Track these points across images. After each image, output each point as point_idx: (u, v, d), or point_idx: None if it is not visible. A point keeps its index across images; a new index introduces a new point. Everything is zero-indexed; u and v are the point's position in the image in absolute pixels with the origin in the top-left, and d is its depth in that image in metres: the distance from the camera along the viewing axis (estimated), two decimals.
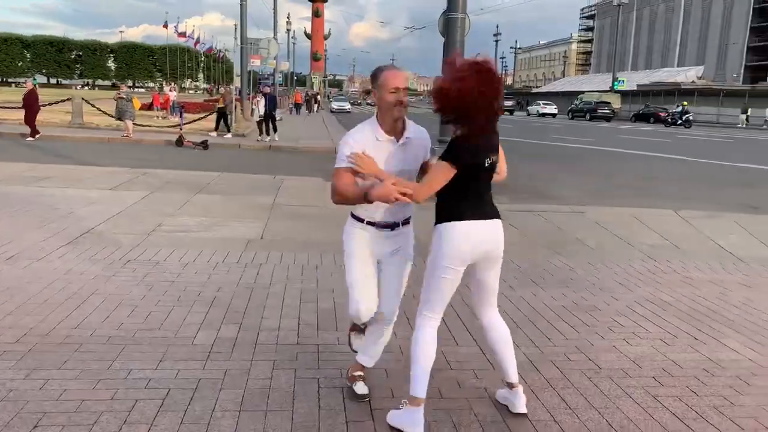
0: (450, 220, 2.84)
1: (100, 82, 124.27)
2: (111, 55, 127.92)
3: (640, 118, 49.14)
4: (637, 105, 56.59)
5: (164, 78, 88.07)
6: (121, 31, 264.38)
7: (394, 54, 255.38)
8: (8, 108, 22.36)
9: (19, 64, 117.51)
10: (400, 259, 3.12)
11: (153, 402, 3.07)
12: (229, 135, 21.29)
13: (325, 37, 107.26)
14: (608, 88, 61.16)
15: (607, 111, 50.17)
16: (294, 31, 76.89)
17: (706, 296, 5.24)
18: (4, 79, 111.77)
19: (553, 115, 56.98)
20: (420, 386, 2.87)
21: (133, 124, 19.81)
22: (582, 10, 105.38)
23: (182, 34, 65.84)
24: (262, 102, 20.91)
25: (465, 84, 2.65)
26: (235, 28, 27.15)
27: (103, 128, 21.52)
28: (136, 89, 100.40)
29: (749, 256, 6.75)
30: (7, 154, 13.45)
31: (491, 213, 2.91)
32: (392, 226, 3.06)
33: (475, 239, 2.84)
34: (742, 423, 3.09)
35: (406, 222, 3.12)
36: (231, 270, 5.44)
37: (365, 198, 2.80)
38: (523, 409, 3.07)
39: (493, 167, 2.88)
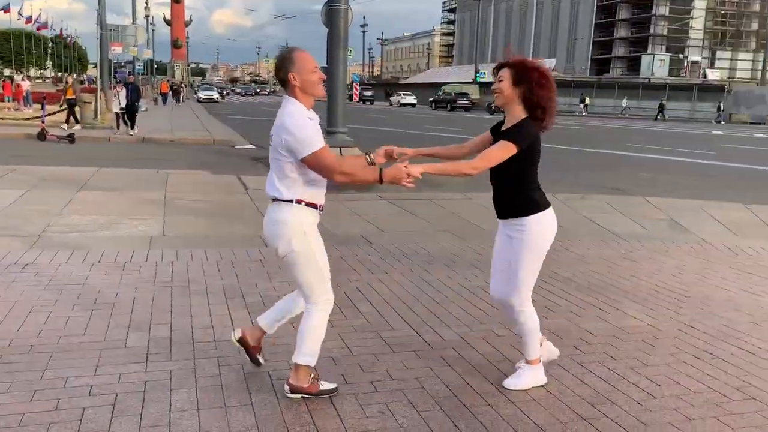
0: (543, 209, 3.15)
1: None
2: None
3: (498, 109, 51.86)
4: None
5: (4, 65, 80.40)
6: None
7: (260, 42, 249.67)
8: None
9: None
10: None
11: (103, 408, 2.94)
12: (78, 127, 19.78)
13: (186, 24, 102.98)
14: (471, 80, 63.86)
15: (466, 102, 52.54)
16: (153, 17, 73.20)
17: (598, 271, 5.77)
18: None
19: (413, 105, 59.09)
20: (537, 348, 3.34)
21: None
22: (444, 3, 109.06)
23: (29, 20, 60.34)
24: (123, 92, 19.32)
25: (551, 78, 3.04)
26: (98, 15, 25.29)
27: None
28: None
29: (625, 232, 7.47)
30: None
31: None
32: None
33: (555, 224, 3.22)
34: (656, 379, 3.49)
35: None
36: (142, 269, 5.22)
37: (380, 178, 2.90)
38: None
39: None
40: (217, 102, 54.60)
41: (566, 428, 2.93)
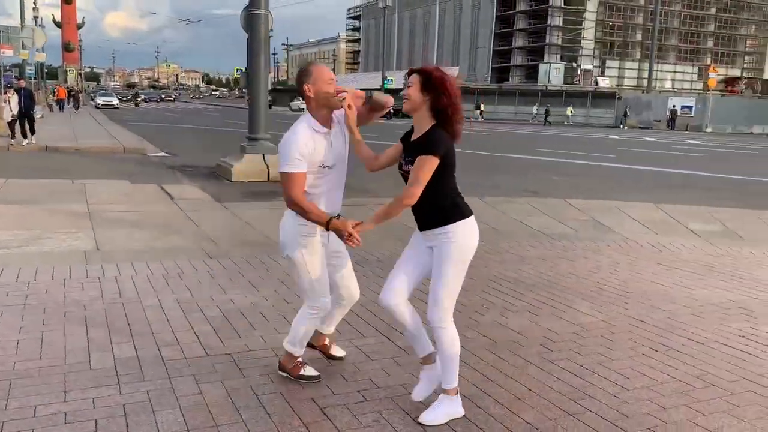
0: (465, 217, 2.99)
1: None
2: None
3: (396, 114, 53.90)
4: None
5: None
6: None
7: (159, 46, 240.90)
8: None
9: None
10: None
11: None
12: None
13: (79, 27, 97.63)
14: (379, 87, 64.61)
15: None
16: (41, 18, 69.01)
17: (542, 270, 6.00)
18: None
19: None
20: (455, 376, 3.07)
21: None
22: (348, 10, 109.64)
23: None
24: (15, 99, 17.79)
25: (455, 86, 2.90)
26: None
27: None
28: None
29: (555, 233, 7.80)
30: None
31: None
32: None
33: (477, 233, 3.07)
34: (623, 372, 3.68)
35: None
36: (85, 286, 4.93)
37: (326, 225, 3.08)
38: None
39: None
40: (117, 108, 52.22)
41: (557, 425, 3.04)
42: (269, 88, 14.73)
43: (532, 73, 68.88)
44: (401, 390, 3.35)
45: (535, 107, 48.65)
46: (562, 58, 67.86)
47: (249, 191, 11.04)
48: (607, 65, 70.64)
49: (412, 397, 3.19)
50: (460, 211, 2.99)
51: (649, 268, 6.23)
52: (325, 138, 3.11)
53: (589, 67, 68.40)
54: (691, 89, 69.92)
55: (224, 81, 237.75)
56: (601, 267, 6.21)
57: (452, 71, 75.68)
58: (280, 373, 3.44)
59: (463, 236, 2.97)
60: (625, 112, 46.30)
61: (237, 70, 67.84)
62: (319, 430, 2.92)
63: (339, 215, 3.25)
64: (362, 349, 3.92)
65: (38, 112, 23.69)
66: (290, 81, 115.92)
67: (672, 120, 46.05)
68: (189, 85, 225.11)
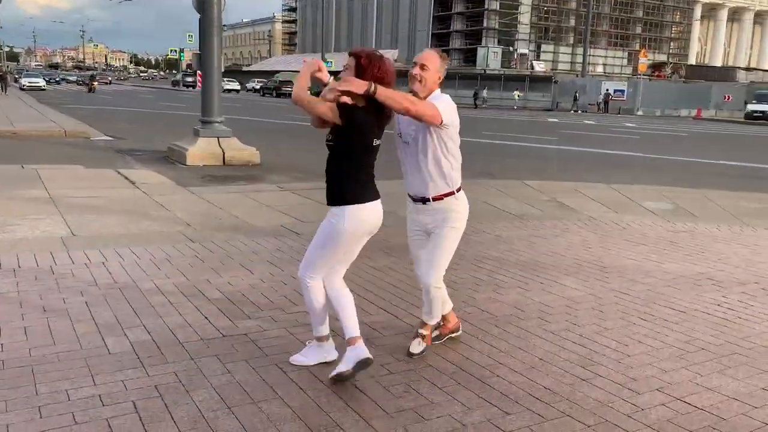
0: (357, 202, 3.18)
1: None
2: None
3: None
4: None
5: None
6: None
7: (84, 25, 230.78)
8: None
9: None
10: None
11: (128, 417, 2.77)
12: None
13: None
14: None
15: (290, 89, 53.47)
16: None
17: (521, 249, 6.23)
18: None
19: (237, 91, 63.38)
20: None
21: None
22: None
23: None
24: None
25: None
26: None
27: None
28: None
29: (523, 213, 8.08)
30: None
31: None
32: (422, 200, 3.45)
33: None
34: (621, 340, 3.92)
35: (436, 198, 3.44)
36: (76, 272, 4.83)
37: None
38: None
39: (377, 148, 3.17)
40: (43, 90, 49.87)
41: (574, 389, 3.24)
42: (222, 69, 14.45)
43: (470, 56, 69.69)
44: (421, 362, 3.48)
45: (484, 91, 49.44)
46: (499, 42, 68.88)
47: (207, 175, 10.90)
48: (542, 50, 72.22)
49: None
50: (353, 196, 3.12)
51: (618, 244, 6.57)
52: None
53: (525, 51, 69.81)
54: (621, 74, 72.33)
55: (153, 62, 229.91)
56: (574, 244, 6.50)
57: (391, 54, 75.79)
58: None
59: (344, 221, 3.12)
60: (575, 96, 47.60)
61: (171, 51, 65.86)
62: (357, 399, 3.02)
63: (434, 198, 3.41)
64: (372, 326, 4.03)
65: None
66: (224, 63, 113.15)
67: (606, 103, 47.64)
68: (117, 66, 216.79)
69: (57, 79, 77.59)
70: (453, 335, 3.83)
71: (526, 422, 2.89)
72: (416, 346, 3.58)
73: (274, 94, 56.37)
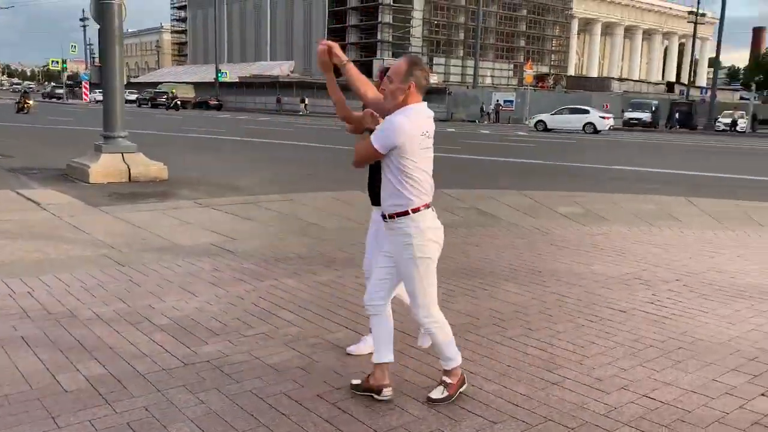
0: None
1: None
2: None
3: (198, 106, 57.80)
4: (242, 96, 59.79)
5: None
6: None
7: None
8: None
9: None
10: None
11: None
12: None
13: None
14: (213, 80, 62.61)
15: (164, 99, 56.61)
16: None
17: (457, 257, 6.35)
18: None
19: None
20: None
21: None
22: (172, 1, 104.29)
23: None
24: None
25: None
26: None
27: None
28: None
29: (448, 222, 8.15)
30: None
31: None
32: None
33: None
34: (576, 342, 4.09)
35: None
36: (1, 304, 4.43)
37: None
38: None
39: None
40: None
41: (547, 393, 3.34)
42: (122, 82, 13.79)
43: (367, 69, 70.45)
44: (406, 379, 3.47)
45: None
46: (393, 55, 70.07)
47: (114, 193, 10.35)
48: (434, 62, 74.21)
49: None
50: None
51: (545, 248, 6.85)
52: None
53: None
54: (508, 85, 75.66)
55: (29, 73, 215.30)
56: (505, 250, 6.71)
57: (286, 65, 75.36)
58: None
59: None
60: (482, 108, 49.30)
61: (52, 62, 62.05)
62: (345, 424, 2.97)
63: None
64: (337, 343, 3.97)
65: None
66: None
67: (497, 113, 49.65)
68: None
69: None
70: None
71: (514, 430, 2.95)
72: (436, 392, 3.25)
73: (149, 105, 57.73)
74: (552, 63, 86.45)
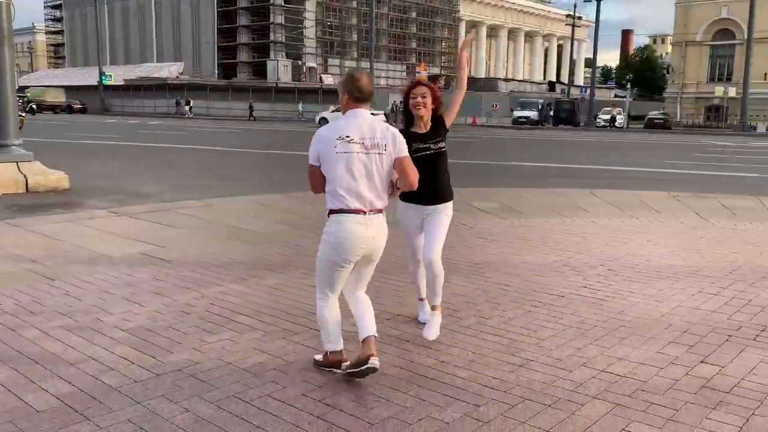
0: None
1: None
2: None
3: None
4: (129, 99, 57.21)
5: None
6: None
7: None
8: None
9: None
10: None
11: None
12: None
13: None
14: (96, 83, 59.45)
15: (20, 104, 51.84)
16: None
17: (394, 251, 6.49)
18: None
19: None
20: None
21: None
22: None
23: None
24: None
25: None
26: None
27: None
28: None
29: None
30: None
31: None
32: None
33: None
34: (529, 326, 4.34)
35: None
36: None
37: None
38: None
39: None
40: None
41: (517, 376, 3.55)
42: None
43: (260, 69, 69.46)
44: (383, 372, 3.56)
45: (300, 105, 50.12)
46: (287, 56, 69.60)
47: (13, 204, 9.73)
48: (329, 63, 74.32)
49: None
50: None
51: (475, 242, 7.15)
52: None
53: (314, 64, 71.32)
54: (402, 86, 77.09)
55: None
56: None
57: (175, 67, 72.80)
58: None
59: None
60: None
61: None
62: (338, 419, 3.02)
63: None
64: (305, 344, 4.00)
65: None
66: None
67: (395, 114, 50.49)
68: None
69: None
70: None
71: (498, 410, 3.12)
72: (318, 354, 3.66)
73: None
74: (443, 64, 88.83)
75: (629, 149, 26.13)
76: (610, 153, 23.51)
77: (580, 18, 65.83)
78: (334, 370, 3.50)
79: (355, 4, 76.03)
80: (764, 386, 3.41)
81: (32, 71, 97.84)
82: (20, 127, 12.89)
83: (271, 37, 70.16)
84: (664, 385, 3.42)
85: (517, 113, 48.61)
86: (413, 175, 3.39)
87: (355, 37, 77.28)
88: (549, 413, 3.10)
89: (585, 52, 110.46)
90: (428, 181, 3.95)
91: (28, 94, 55.02)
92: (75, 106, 56.24)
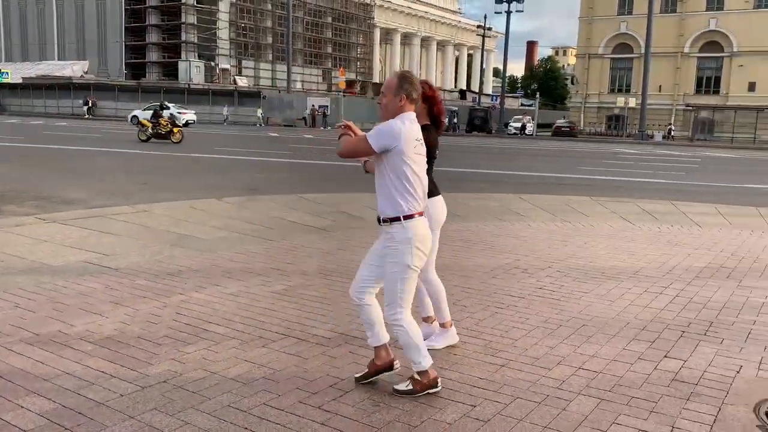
0: None
1: None
2: None
3: None
4: (28, 99, 53.97)
5: None
6: None
7: None
8: None
9: None
10: None
11: None
12: None
13: None
14: None
15: None
16: None
17: (346, 259, 6.52)
18: None
19: None
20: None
21: None
22: None
23: None
24: None
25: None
26: None
27: None
28: None
29: (321, 227, 8.38)
30: None
31: None
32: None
33: None
34: (500, 327, 4.49)
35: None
36: None
37: None
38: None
39: None
40: None
41: (503, 375, 3.68)
42: None
43: (171, 70, 67.22)
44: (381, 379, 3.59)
45: (225, 109, 48.76)
46: (200, 57, 67.73)
47: None
48: (243, 65, 72.97)
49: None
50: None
51: None
52: None
53: (227, 66, 69.80)
54: (318, 90, 76.83)
55: None
56: None
57: (79, 66, 69.28)
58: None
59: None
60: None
61: None
62: (343, 424, 3.03)
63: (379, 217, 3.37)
64: (287, 351, 3.96)
65: None
66: None
67: (313, 118, 50.30)
68: None
69: None
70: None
71: (494, 410, 3.23)
72: (402, 385, 3.43)
73: None
74: (358, 70, 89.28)
75: (542, 156, 27.28)
76: (524, 159, 24.44)
77: (489, 29, 67.97)
78: (429, 392, 3.37)
79: (269, 7, 75.11)
80: (726, 377, 3.70)
81: None
82: None
83: (183, 38, 68.10)
84: (639, 379, 3.65)
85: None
86: None
87: (270, 39, 76.32)
88: (542, 410, 3.24)
89: (493, 61, 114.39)
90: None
91: None
92: None
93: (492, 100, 67.56)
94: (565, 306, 5.08)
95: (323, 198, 10.57)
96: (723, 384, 3.60)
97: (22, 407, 3.07)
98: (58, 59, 73.93)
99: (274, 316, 4.61)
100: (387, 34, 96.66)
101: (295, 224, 8.41)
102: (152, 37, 70.26)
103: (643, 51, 48.13)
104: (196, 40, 68.38)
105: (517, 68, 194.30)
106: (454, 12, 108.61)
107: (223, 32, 69.74)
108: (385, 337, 3.50)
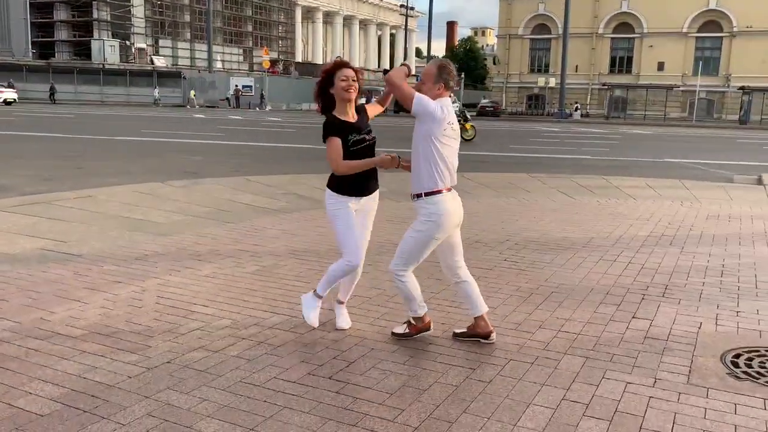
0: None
1: None
2: None
3: None
4: None
5: None
6: None
7: None
8: None
9: None
10: None
11: None
12: None
13: None
14: None
15: None
16: None
17: (314, 240, 6.60)
18: None
19: None
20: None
21: None
22: None
23: None
24: None
25: None
26: None
27: None
28: None
29: (274, 209, 8.39)
30: None
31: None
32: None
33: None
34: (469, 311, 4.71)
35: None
36: None
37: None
38: None
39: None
40: None
41: (509, 355, 3.90)
42: None
43: (84, 50, 63.97)
44: (372, 347, 3.72)
45: (156, 90, 46.70)
46: (114, 36, 64.80)
47: None
48: (160, 44, 70.40)
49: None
50: None
51: (381, 224, 7.38)
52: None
53: (143, 45, 67.15)
54: (240, 70, 75.17)
55: None
56: None
57: None
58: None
59: None
60: (252, 94, 48.38)
61: None
62: (355, 392, 3.15)
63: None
64: (282, 327, 4.04)
65: None
66: None
67: (237, 98, 49.26)
68: None
69: None
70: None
71: (492, 372, 3.44)
72: (399, 328, 3.96)
73: None
74: (280, 49, 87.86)
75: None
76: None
77: (412, 8, 68.36)
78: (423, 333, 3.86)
79: None
80: (691, 333, 4.07)
81: None
82: None
83: (95, 15, 64.88)
84: (615, 339, 3.95)
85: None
86: None
87: (187, 18, 73.91)
88: (536, 370, 3.48)
89: (415, 41, 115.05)
90: (367, 173, 3.98)
91: None
92: None
93: (417, 80, 68.04)
94: (532, 275, 5.37)
95: (269, 180, 10.53)
96: (690, 339, 3.96)
97: (30, 393, 3.03)
98: None
99: (258, 296, 4.66)
100: (308, 12, 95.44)
101: (250, 206, 8.37)
102: (61, 14, 66.62)
103: (561, 32, 49.74)
104: (109, 18, 65.35)
105: (438, 48, 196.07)
106: None
107: (138, 10, 66.97)
108: (484, 308, 3.85)
